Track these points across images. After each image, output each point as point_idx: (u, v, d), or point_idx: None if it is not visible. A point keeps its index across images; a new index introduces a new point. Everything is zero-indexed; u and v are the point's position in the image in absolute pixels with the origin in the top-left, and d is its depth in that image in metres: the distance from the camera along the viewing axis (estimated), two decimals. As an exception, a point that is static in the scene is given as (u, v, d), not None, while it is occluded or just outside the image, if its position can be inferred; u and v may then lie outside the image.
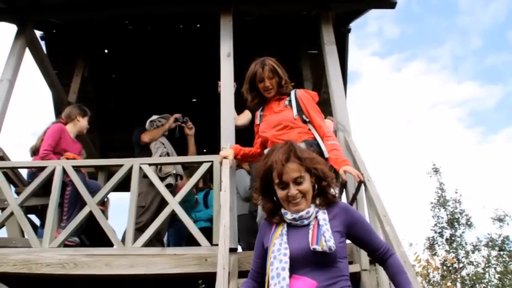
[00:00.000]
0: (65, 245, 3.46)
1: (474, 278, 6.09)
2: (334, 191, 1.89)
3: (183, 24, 5.49)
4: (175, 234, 4.84)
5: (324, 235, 1.70)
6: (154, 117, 4.69)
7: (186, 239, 4.55)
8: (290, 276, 1.68)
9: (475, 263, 6.56)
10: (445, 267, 6.42)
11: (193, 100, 6.50)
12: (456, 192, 7.58)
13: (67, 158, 3.94)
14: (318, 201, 1.84)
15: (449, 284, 5.86)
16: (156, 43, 5.68)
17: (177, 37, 5.60)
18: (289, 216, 1.81)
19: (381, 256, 1.84)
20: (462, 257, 6.66)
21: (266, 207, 1.91)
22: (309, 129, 3.00)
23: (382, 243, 1.86)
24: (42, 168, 3.73)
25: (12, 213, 3.54)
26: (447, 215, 7.41)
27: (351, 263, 2.84)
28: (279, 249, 1.74)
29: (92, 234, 4.03)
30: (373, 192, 2.82)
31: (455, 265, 6.51)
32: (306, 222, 1.79)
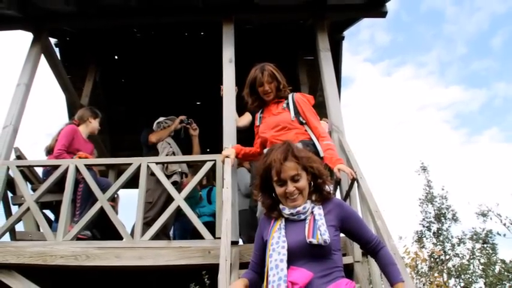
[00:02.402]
0: (77, 238, 3.46)
1: (460, 269, 6.10)
2: (329, 187, 1.89)
3: (188, 32, 5.49)
4: (181, 228, 4.84)
5: (320, 229, 1.70)
6: (161, 119, 4.69)
7: (190, 233, 4.55)
8: (288, 268, 1.68)
9: (460, 255, 6.57)
10: (432, 259, 6.43)
11: (198, 103, 6.49)
12: (443, 189, 7.59)
13: (79, 157, 3.94)
14: (313, 198, 1.84)
15: (436, 274, 5.86)
16: (163, 50, 5.68)
17: (182, 44, 5.60)
18: (287, 211, 1.81)
19: (372, 248, 1.84)
20: (448, 250, 6.67)
21: (265, 203, 1.91)
22: (306, 130, 3.00)
23: (373, 237, 1.86)
24: (56, 167, 3.73)
25: (28, 209, 3.54)
26: (434, 210, 7.43)
27: (344, 255, 2.84)
28: (278, 242, 1.75)
29: (103, 228, 4.03)
30: (365, 189, 2.82)
31: (442, 257, 6.52)
32: (302, 217, 1.79)
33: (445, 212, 7.30)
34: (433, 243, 6.92)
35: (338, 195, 3.24)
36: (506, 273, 5.93)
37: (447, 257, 6.54)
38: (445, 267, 6.25)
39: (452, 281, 6.13)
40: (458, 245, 6.72)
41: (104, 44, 5.68)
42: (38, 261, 3.15)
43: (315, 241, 1.67)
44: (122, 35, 5.49)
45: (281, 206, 1.83)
